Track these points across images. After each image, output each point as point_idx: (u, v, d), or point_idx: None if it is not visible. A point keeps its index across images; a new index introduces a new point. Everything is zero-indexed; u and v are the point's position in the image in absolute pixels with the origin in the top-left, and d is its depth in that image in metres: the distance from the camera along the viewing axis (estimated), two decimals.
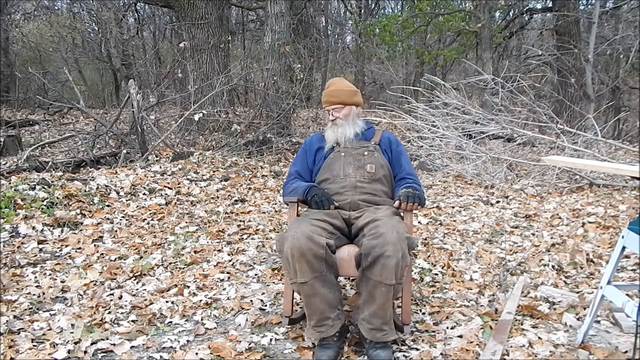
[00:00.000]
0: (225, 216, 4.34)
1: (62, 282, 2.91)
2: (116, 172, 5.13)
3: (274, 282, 2.99)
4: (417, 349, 2.19)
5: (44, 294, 2.73)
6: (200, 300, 2.69)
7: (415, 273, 3.07)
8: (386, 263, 2.00)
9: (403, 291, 2.22)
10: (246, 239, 3.80)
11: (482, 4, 10.11)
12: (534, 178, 5.95)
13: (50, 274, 3.01)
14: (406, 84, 11.64)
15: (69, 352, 2.13)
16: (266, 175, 5.98)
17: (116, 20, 11.34)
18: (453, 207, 4.86)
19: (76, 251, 3.41)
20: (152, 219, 4.13)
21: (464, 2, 12.61)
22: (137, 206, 4.37)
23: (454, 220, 4.38)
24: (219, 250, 3.51)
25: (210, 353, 2.15)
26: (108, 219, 4.02)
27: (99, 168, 5.70)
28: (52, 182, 4.41)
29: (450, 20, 11.06)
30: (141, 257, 3.31)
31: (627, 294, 2.01)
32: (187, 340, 2.28)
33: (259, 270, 3.17)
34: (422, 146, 6.82)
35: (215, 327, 2.42)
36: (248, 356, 2.14)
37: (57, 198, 4.08)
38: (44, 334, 2.30)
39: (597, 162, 3.86)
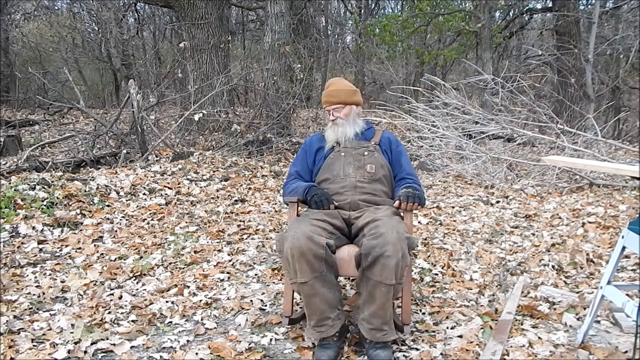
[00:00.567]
0: (225, 216, 4.34)
1: (62, 282, 2.91)
2: (116, 172, 5.13)
3: (274, 282, 2.99)
4: (417, 349, 2.19)
5: (44, 294, 2.73)
6: (200, 300, 2.69)
7: (415, 273, 3.07)
8: (386, 263, 2.00)
9: (403, 291, 2.22)
10: (246, 239, 3.80)
11: (482, 4, 10.11)
12: (534, 178, 5.95)
13: (50, 274, 3.01)
14: (406, 84, 11.64)
15: (69, 352, 2.13)
16: (266, 175, 5.98)
17: (116, 20, 11.34)
18: (453, 207, 4.86)
19: (76, 251, 3.41)
20: (152, 219, 4.13)
21: (464, 2, 12.61)
22: (137, 206, 4.37)
23: (454, 220, 4.38)
24: (219, 250, 3.51)
25: (210, 353, 2.15)
26: (108, 219, 4.02)
27: (99, 168, 5.70)
28: (52, 182, 4.41)
29: (450, 20, 11.06)
30: (141, 257, 3.31)
31: (627, 294, 2.01)
32: (187, 340, 2.28)
33: (259, 270, 3.17)
34: (422, 146, 6.82)
35: (215, 327, 2.42)
36: (248, 356, 2.14)
37: (57, 198, 4.08)
38: (44, 334, 2.30)
39: (597, 162, 3.86)
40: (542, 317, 2.47)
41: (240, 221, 4.23)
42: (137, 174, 5.07)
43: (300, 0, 11.26)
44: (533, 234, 3.93)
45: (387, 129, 7.76)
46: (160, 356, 2.14)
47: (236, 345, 2.22)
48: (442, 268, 3.21)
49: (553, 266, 3.18)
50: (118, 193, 4.55)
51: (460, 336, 2.29)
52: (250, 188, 5.38)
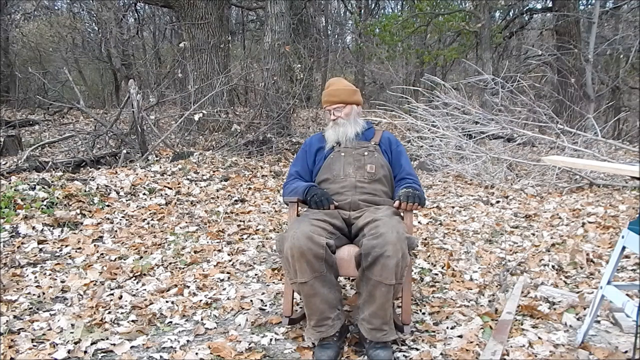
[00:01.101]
0: (225, 216, 4.34)
1: (62, 282, 2.91)
2: (116, 172, 5.14)
3: (274, 282, 2.99)
4: (417, 349, 2.19)
5: (44, 294, 2.73)
6: (200, 300, 2.69)
7: (415, 273, 3.07)
8: (386, 263, 2.00)
9: (403, 291, 2.22)
10: (246, 239, 3.80)
11: (482, 4, 10.11)
12: (534, 178, 5.95)
13: (50, 274, 3.01)
14: (406, 84, 11.64)
15: (69, 352, 2.14)
16: (266, 175, 5.98)
17: (116, 20, 11.35)
18: (453, 207, 4.86)
19: (76, 251, 3.41)
20: (152, 219, 4.13)
21: (464, 2, 12.60)
22: (137, 206, 4.37)
23: (454, 220, 4.38)
24: (219, 250, 3.51)
25: (210, 353, 2.15)
26: (108, 219, 4.02)
27: (99, 168, 5.70)
28: (52, 182, 4.41)
29: (450, 20, 11.04)
30: (141, 257, 3.31)
31: (627, 294, 2.01)
32: (187, 340, 2.28)
33: (259, 270, 3.17)
34: (422, 146, 6.82)
35: (215, 327, 2.42)
36: (248, 356, 2.14)
37: (57, 198, 4.08)
38: (44, 334, 2.30)
39: (597, 162, 3.86)
40: (542, 317, 2.47)
41: (240, 221, 4.23)
42: (137, 174, 5.07)
43: (300, 0, 11.26)
44: (533, 234, 3.93)
45: (387, 129, 7.77)
46: (160, 356, 2.14)
47: (236, 345, 2.22)
48: (442, 268, 3.21)
49: (553, 266, 3.18)
50: (118, 193, 4.55)
51: (460, 336, 2.29)
52: (250, 188, 5.38)
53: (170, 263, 3.25)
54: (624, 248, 2.02)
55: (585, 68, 8.93)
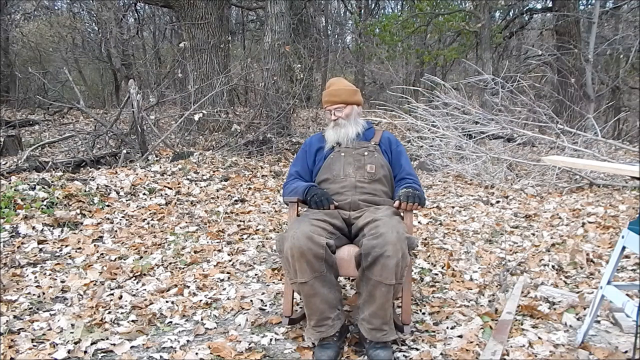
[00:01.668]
0: (225, 216, 4.34)
1: (62, 282, 2.91)
2: (116, 172, 5.14)
3: (274, 282, 2.99)
4: (417, 349, 2.19)
5: (44, 294, 2.73)
6: (200, 300, 2.69)
7: (415, 273, 3.07)
8: (386, 263, 2.00)
9: (403, 291, 2.22)
10: (246, 239, 3.80)
11: (482, 4, 10.11)
12: (534, 178, 5.95)
13: (50, 274, 3.01)
14: (406, 84, 11.64)
15: (69, 352, 2.14)
16: (266, 175, 5.98)
17: (116, 20, 11.34)
18: (453, 207, 4.86)
19: (76, 251, 3.41)
20: (152, 219, 4.13)
21: (464, 2, 12.60)
22: (137, 206, 4.37)
23: (454, 220, 4.38)
24: (219, 250, 3.51)
25: (210, 353, 2.15)
26: (108, 219, 4.02)
27: (99, 168, 5.70)
28: (52, 182, 4.41)
29: (450, 20, 11.05)
30: (141, 257, 3.31)
31: (627, 294, 2.01)
32: (187, 340, 2.28)
33: (259, 270, 3.17)
34: (422, 146, 6.82)
35: (215, 327, 2.42)
36: (248, 356, 2.14)
37: (57, 198, 4.08)
38: (44, 334, 2.30)
39: (597, 162, 3.86)
40: (542, 317, 2.47)
41: (240, 221, 4.23)
42: (137, 174, 5.07)
43: (300, 0, 11.26)
44: (533, 234, 3.93)
45: (387, 129, 7.77)
46: (160, 356, 2.14)
47: (236, 345, 2.22)
48: (442, 268, 3.21)
49: (553, 266, 3.18)
50: (118, 193, 4.55)
51: (460, 336, 2.29)
52: (250, 188, 5.38)
53: (170, 263, 3.25)
54: (624, 248, 2.02)
55: (585, 68, 8.93)
